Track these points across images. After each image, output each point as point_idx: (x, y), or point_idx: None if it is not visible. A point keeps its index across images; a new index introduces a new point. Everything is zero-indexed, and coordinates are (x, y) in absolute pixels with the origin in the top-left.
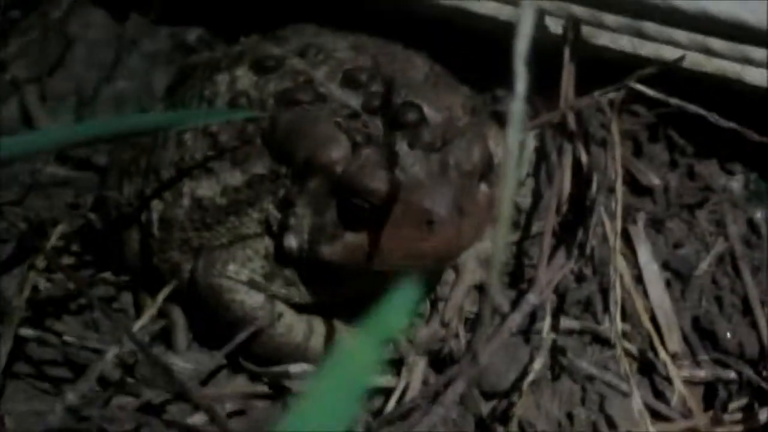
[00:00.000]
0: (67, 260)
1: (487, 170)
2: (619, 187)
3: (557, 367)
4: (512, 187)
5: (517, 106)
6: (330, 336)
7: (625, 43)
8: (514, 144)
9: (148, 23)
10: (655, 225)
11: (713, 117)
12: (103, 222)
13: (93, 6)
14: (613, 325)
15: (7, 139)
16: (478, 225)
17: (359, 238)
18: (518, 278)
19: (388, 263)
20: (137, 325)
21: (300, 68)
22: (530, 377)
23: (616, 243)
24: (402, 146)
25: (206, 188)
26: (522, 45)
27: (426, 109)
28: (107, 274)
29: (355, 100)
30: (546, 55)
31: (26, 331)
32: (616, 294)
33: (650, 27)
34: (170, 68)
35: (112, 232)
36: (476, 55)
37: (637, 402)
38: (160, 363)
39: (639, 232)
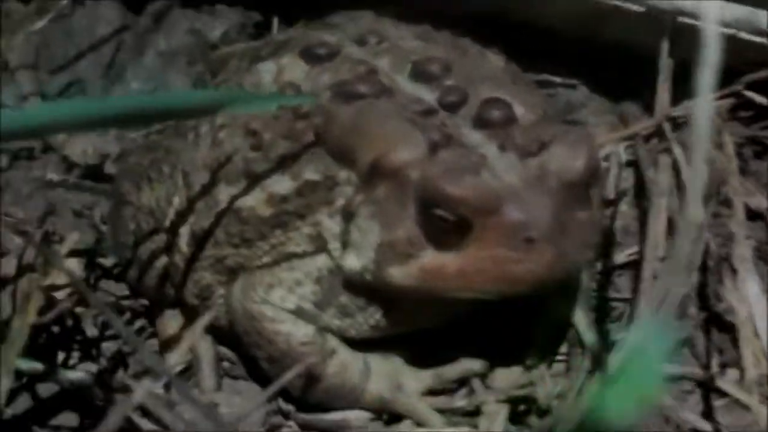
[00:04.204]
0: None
1: (594, 182)
2: (741, 210)
3: (657, 417)
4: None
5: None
6: (391, 378)
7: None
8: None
9: (164, 17)
10: (762, 254)
11: None
12: (117, 235)
13: None
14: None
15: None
16: (582, 245)
17: (439, 258)
18: (605, 313)
19: (475, 289)
20: (169, 362)
21: (359, 57)
22: None
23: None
24: (490, 148)
25: (247, 196)
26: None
27: (516, 107)
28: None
29: (428, 95)
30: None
31: (29, 364)
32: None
33: None
34: (190, 68)
35: (127, 247)
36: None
37: None
38: (201, 406)
39: (746, 262)
